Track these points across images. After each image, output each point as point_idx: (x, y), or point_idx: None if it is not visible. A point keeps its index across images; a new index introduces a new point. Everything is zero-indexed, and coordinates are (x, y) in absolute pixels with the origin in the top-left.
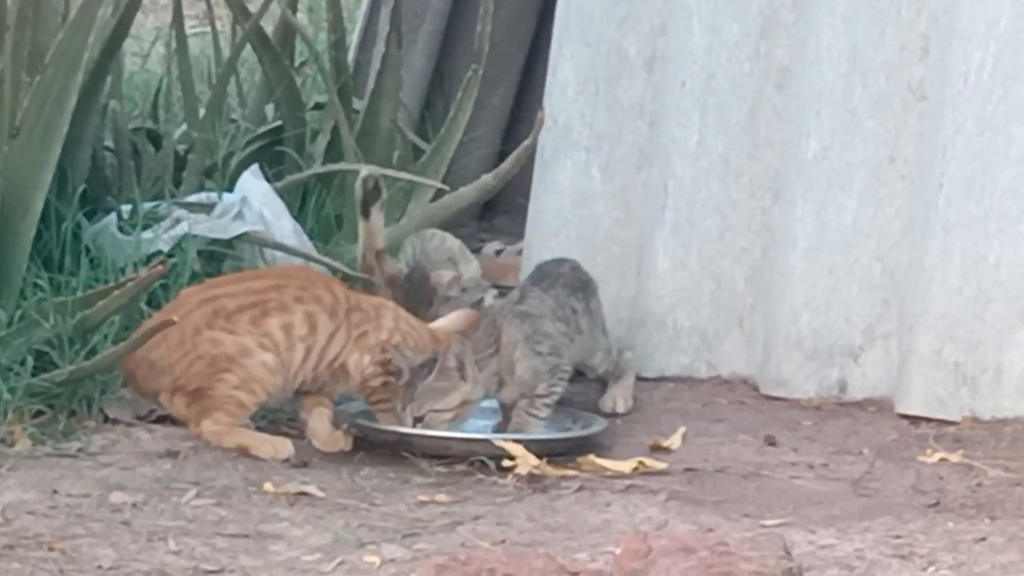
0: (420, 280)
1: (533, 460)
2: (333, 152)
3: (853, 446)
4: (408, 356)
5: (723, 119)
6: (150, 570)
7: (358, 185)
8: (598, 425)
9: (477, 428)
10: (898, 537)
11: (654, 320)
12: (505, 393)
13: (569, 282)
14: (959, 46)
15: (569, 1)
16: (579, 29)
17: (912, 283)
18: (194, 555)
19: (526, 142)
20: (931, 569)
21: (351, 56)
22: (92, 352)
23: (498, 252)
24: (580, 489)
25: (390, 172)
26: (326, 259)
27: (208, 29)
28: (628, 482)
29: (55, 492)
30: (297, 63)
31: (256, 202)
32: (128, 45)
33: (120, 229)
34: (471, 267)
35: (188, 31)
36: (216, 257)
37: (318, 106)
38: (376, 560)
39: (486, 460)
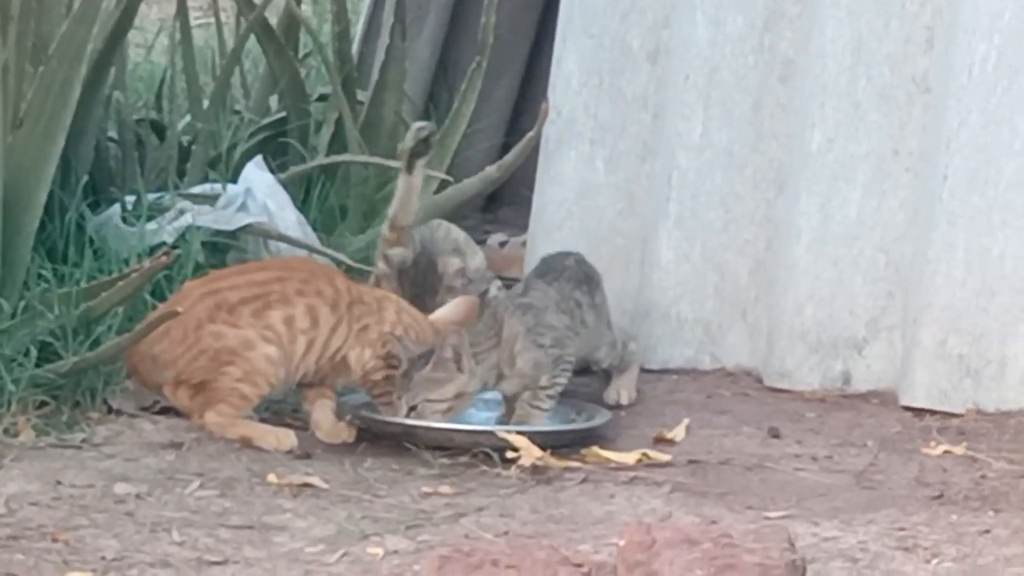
0: (427, 268)
1: (537, 452)
2: (337, 144)
3: (857, 438)
4: (409, 347)
5: (727, 111)
6: (154, 561)
7: (410, 134)
8: (602, 417)
9: (481, 420)
10: (902, 529)
11: (658, 312)
12: (506, 385)
13: (574, 275)
14: (963, 38)
15: None
16: (583, 21)
17: (916, 275)
18: (198, 546)
19: (530, 134)
20: (935, 561)
21: (355, 47)
22: (96, 343)
23: (502, 244)
24: (584, 481)
25: (393, 163)
26: (329, 251)
27: (212, 20)
28: (632, 474)
29: (59, 483)
30: (301, 54)
31: (260, 193)
32: (132, 36)
33: (124, 220)
34: (477, 258)
35: (192, 22)
36: (220, 248)
37: (322, 97)
38: (379, 551)
39: (490, 452)
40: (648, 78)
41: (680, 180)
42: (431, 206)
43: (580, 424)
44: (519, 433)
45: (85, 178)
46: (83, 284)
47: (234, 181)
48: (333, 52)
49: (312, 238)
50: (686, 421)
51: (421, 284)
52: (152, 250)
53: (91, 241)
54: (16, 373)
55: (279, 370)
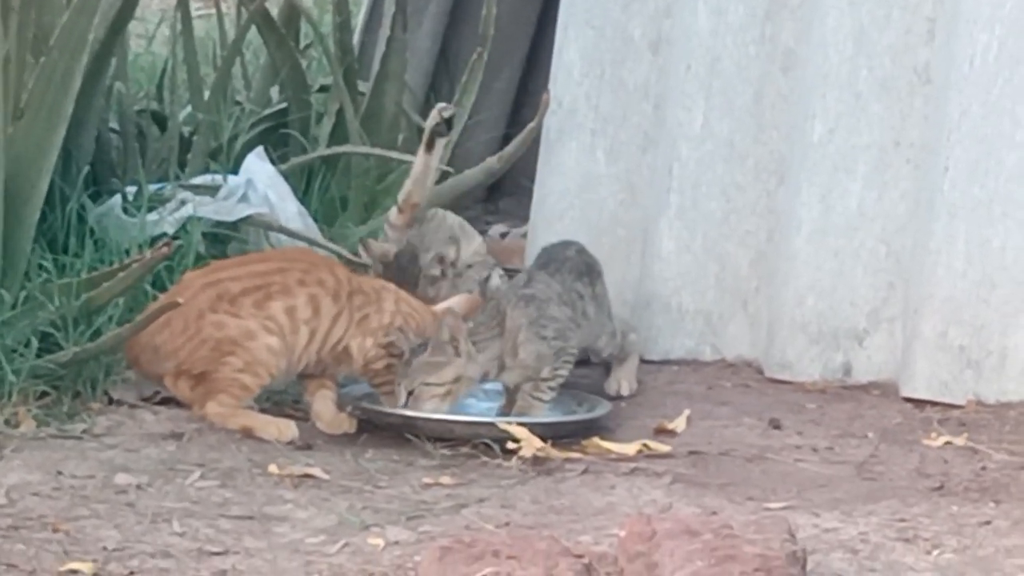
0: (409, 261)
1: (537, 443)
2: (338, 135)
3: (857, 429)
4: (411, 339)
5: (728, 102)
6: (154, 551)
7: (433, 113)
8: (603, 408)
9: (481, 411)
10: (902, 520)
11: (659, 303)
12: (508, 376)
13: (575, 266)
14: (965, 29)
15: None
16: (584, 11)
17: (917, 266)
18: (198, 536)
19: (531, 125)
20: (935, 552)
21: (356, 38)
22: (97, 334)
23: (503, 235)
24: (584, 472)
25: (394, 154)
26: (330, 244)
27: (213, 11)
28: (632, 465)
29: (59, 473)
30: (302, 45)
31: (261, 184)
32: (133, 27)
33: (125, 211)
34: (474, 243)
35: (193, 13)
36: (221, 239)
37: (323, 88)
38: (380, 542)
39: (491, 443)
40: (649, 68)
41: (681, 171)
42: (433, 196)
43: (581, 415)
44: (520, 424)
45: (86, 169)
46: (84, 275)
47: (235, 172)
48: (334, 43)
49: (313, 229)
50: (687, 412)
51: (402, 277)
52: (153, 241)
53: (92, 232)
54: (17, 363)
55: (280, 360)
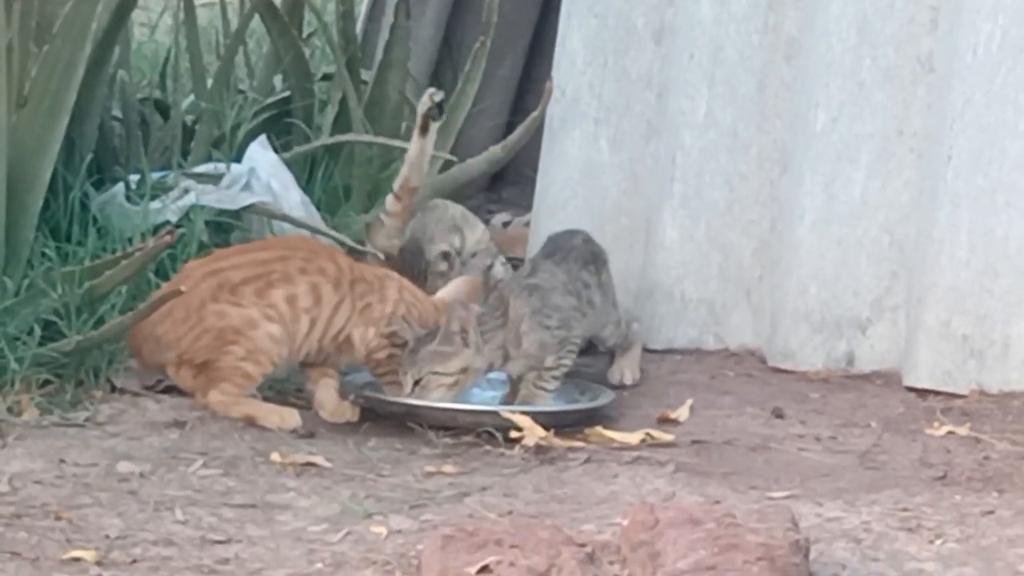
0: (414, 255)
1: (540, 432)
2: (341, 123)
3: (860, 419)
4: (416, 329)
5: (731, 91)
6: (157, 539)
7: (424, 98)
8: (606, 397)
9: (484, 400)
10: (905, 510)
11: (662, 292)
12: (512, 366)
13: (581, 255)
14: (968, 18)
15: None
16: (587, 0)
17: (920, 256)
18: (201, 525)
19: (534, 113)
20: (938, 542)
21: (359, 27)
22: (100, 322)
23: (506, 224)
24: (587, 461)
25: (398, 143)
26: (332, 232)
27: (216, 0)
28: (635, 454)
29: (62, 462)
30: (305, 34)
31: (264, 173)
32: (136, 15)
33: (128, 199)
34: (476, 232)
35: (196, 1)
36: (224, 228)
37: (326, 77)
38: (383, 531)
39: (493, 432)
40: (652, 57)
41: (684, 160)
42: (435, 185)
43: (584, 404)
44: (523, 413)
45: (89, 157)
46: (87, 263)
47: (238, 160)
48: (337, 31)
49: (316, 218)
50: (690, 401)
51: (408, 272)
52: (156, 229)
53: (95, 220)
54: (20, 352)
55: (282, 349)
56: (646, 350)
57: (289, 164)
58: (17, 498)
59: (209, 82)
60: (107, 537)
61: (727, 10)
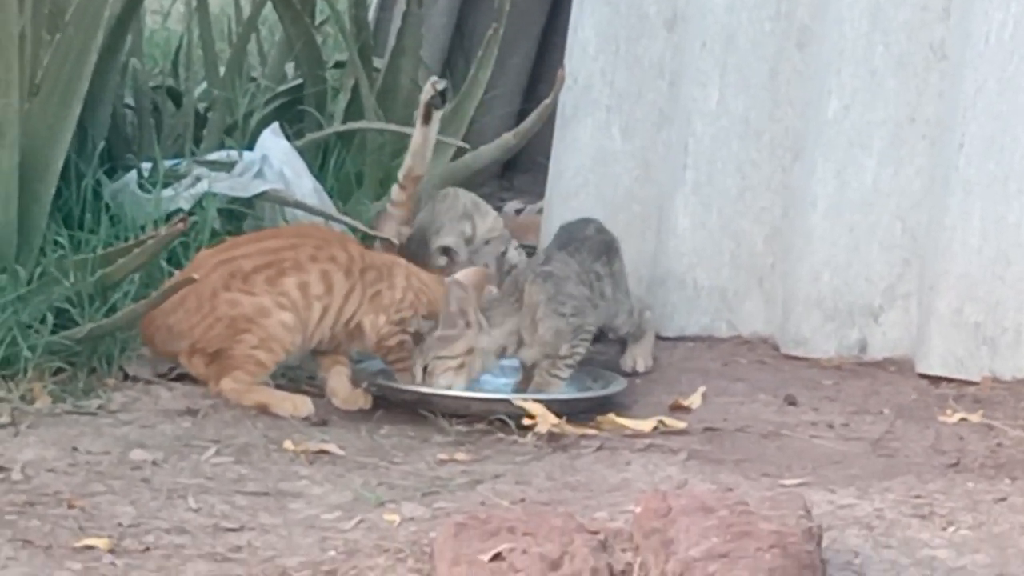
0: (420, 244)
1: (553, 419)
2: (353, 110)
3: (873, 406)
4: (423, 322)
5: (743, 78)
6: (170, 527)
7: (427, 86)
8: (618, 384)
9: (497, 387)
10: (918, 497)
11: (674, 279)
12: (526, 353)
13: (594, 246)
14: (980, 6)
15: None
16: None
17: (932, 243)
18: (214, 513)
19: (547, 101)
20: (951, 529)
21: (372, 14)
22: (112, 310)
23: (518, 211)
24: (600, 448)
25: (409, 130)
26: (346, 218)
27: None
28: (648, 441)
29: (75, 449)
30: (318, 21)
31: (276, 160)
32: (148, 3)
33: (140, 187)
34: (488, 219)
35: None
36: (236, 215)
37: (338, 64)
38: (396, 518)
39: (506, 419)
40: (665, 45)
41: (696, 147)
42: (447, 172)
43: (596, 391)
44: (535, 400)
45: (102, 145)
46: (99, 251)
47: (250, 148)
48: (349, 19)
49: (328, 205)
50: (702, 389)
51: (414, 261)
52: (168, 217)
53: (107, 208)
54: (32, 340)
55: (295, 336)
56: (658, 337)
57: (301, 152)
58: (30, 486)
59: (221, 70)
60: (120, 525)
61: None
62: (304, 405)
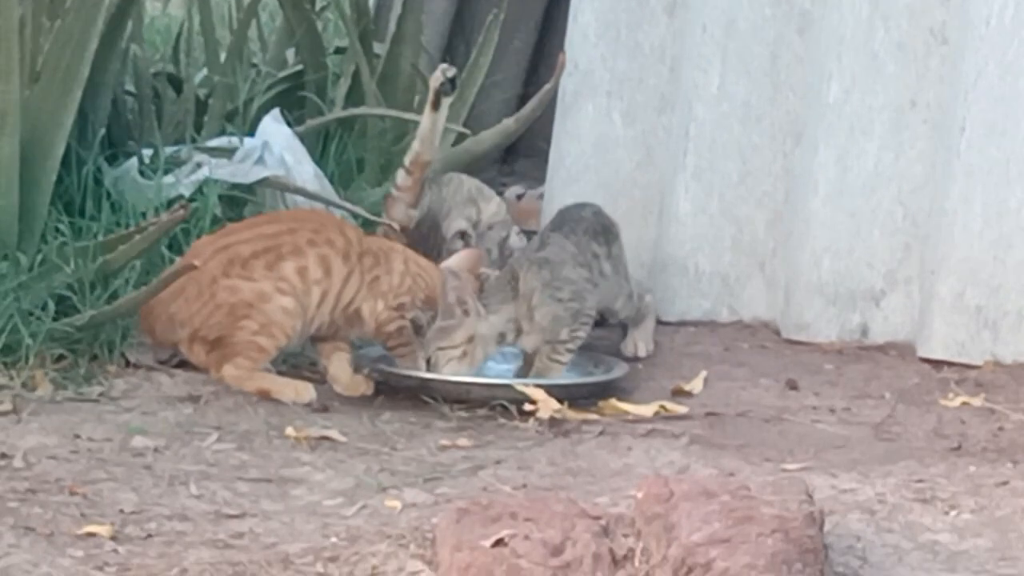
0: (431, 229)
1: (554, 404)
2: (354, 96)
3: (875, 390)
4: (422, 315)
5: (744, 63)
6: (171, 514)
7: (437, 72)
8: (620, 369)
9: (499, 373)
10: (920, 481)
11: (675, 264)
12: (526, 341)
13: (591, 227)
14: None
15: None
16: None
17: (934, 227)
18: (215, 499)
19: (547, 86)
20: (953, 513)
21: (372, 0)
22: (113, 296)
23: (519, 196)
24: (601, 433)
25: (410, 116)
26: (347, 204)
27: None
28: (649, 426)
29: (76, 436)
30: (318, 7)
31: (277, 147)
32: None
33: (141, 173)
34: (491, 205)
35: None
36: (237, 202)
37: (339, 50)
38: (398, 504)
39: (507, 405)
40: (665, 30)
41: (697, 132)
42: (448, 158)
43: (598, 376)
44: (537, 386)
45: (102, 131)
46: (100, 237)
47: (251, 134)
48: (350, 5)
49: (329, 191)
50: (704, 373)
51: (424, 245)
52: (169, 203)
53: (108, 194)
54: (34, 327)
55: (295, 321)
56: (660, 322)
57: (302, 137)
58: (32, 473)
59: (222, 56)
60: (122, 512)
61: None
62: (306, 391)
